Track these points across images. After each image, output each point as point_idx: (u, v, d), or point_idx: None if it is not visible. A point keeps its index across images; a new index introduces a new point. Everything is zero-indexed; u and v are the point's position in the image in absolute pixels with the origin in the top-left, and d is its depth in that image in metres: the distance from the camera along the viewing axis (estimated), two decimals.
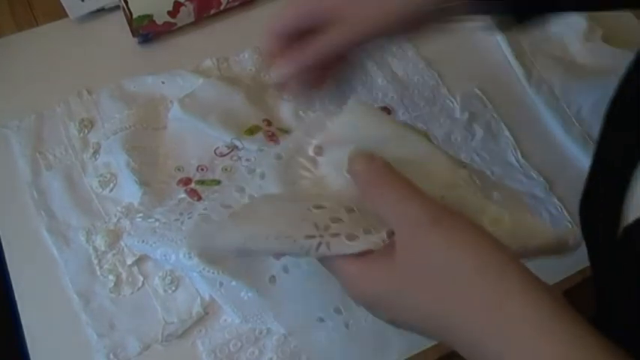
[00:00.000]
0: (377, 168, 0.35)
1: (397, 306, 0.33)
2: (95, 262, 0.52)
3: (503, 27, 0.47)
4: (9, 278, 0.52)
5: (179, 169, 0.57)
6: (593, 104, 0.62)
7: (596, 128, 0.60)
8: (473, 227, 0.32)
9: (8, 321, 0.51)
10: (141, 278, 0.52)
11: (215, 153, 0.57)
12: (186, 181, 0.56)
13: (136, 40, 0.66)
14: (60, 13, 0.67)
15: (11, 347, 0.51)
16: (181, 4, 0.64)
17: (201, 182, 0.55)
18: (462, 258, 0.31)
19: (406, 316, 0.33)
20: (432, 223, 0.32)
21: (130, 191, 0.55)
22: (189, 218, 0.47)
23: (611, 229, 0.34)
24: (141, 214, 0.51)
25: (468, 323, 0.30)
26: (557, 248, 0.37)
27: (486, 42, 0.69)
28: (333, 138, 0.39)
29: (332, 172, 0.38)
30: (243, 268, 0.45)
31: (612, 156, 0.39)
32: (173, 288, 0.51)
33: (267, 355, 0.48)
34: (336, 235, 0.33)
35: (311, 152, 0.39)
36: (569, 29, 0.69)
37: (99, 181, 0.57)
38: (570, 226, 0.56)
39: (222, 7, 0.68)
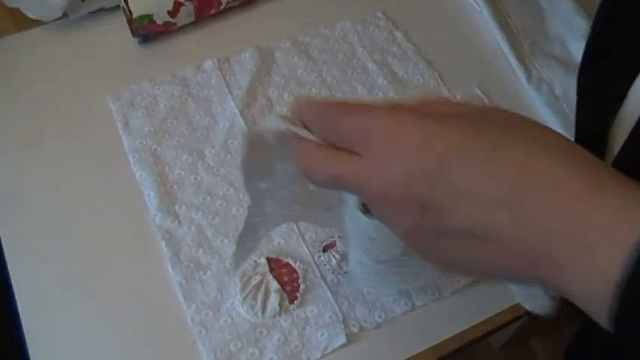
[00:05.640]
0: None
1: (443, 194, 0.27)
2: None
3: None
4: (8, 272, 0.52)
5: None
6: None
7: None
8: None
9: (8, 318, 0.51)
10: None
11: None
12: None
13: (136, 40, 0.66)
14: None
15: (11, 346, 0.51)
16: (181, 4, 0.64)
17: None
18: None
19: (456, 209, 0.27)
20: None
21: None
22: None
23: None
24: None
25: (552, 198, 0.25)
26: None
27: (486, 42, 0.69)
28: None
29: None
30: None
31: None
32: None
33: (268, 356, 0.48)
34: None
35: None
36: (569, 29, 0.69)
37: None
38: None
39: (222, 7, 0.68)
